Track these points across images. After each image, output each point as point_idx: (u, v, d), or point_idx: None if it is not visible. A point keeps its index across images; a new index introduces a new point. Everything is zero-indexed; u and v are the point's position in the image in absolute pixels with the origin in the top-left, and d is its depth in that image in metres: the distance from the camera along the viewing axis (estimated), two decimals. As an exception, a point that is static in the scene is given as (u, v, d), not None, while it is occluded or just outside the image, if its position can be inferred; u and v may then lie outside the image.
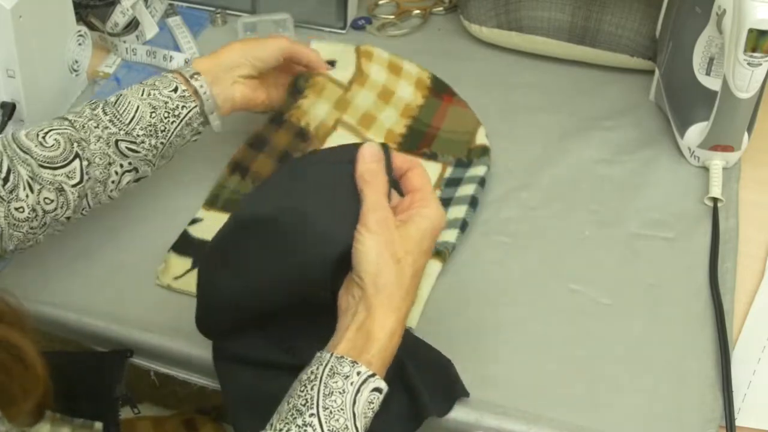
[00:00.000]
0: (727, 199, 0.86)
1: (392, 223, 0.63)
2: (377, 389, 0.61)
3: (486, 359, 0.74)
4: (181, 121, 0.79)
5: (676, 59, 0.90)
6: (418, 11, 1.10)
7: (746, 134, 0.87)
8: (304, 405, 0.59)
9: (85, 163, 0.74)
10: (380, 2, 1.11)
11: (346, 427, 0.58)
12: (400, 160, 0.67)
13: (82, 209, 0.77)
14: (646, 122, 0.95)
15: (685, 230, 0.85)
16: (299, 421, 0.58)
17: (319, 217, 0.64)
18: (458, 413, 0.70)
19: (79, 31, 0.95)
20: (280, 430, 0.58)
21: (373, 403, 0.60)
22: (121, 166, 0.77)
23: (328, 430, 0.58)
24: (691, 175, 0.90)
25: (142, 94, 0.78)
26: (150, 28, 1.05)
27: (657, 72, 0.96)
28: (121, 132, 0.76)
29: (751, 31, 0.77)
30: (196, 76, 0.81)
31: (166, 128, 0.78)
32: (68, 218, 0.76)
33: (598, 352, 0.75)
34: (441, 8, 1.11)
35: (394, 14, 1.10)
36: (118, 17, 1.02)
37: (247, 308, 0.69)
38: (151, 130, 0.78)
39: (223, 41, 0.88)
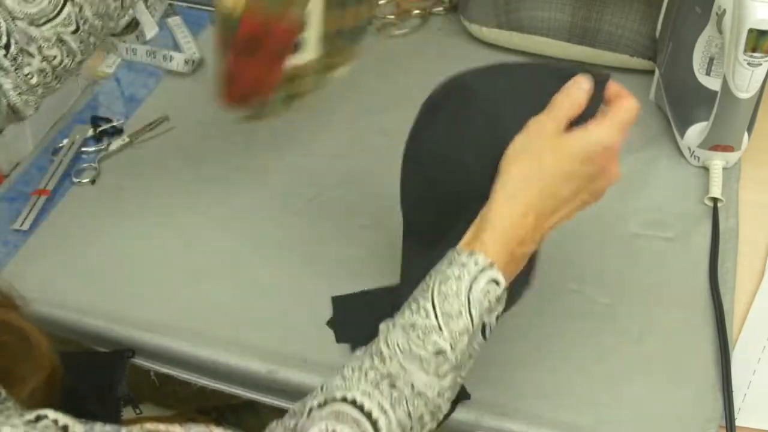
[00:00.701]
0: (727, 199, 0.86)
1: (551, 127, 0.61)
2: (494, 281, 0.59)
3: (486, 360, 0.74)
4: None
5: (676, 59, 0.90)
6: (418, 11, 1.10)
7: (746, 134, 0.87)
8: (421, 293, 0.59)
9: (77, 9, 0.70)
10: (380, 2, 1.11)
11: (460, 313, 0.57)
12: (614, 89, 0.64)
13: (92, 46, 0.74)
14: (646, 122, 0.95)
15: (685, 230, 0.85)
16: (413, 306, 0.58)
17: (508, 113, 0.64)
18: (458, 413, 0.70)
19: (79, 31, 0.94)
20: (398, 312, 0.59)
21: (489, 293, 0.59)
22: None
23: (441, 312, 0.57)
24: (691, 175, 0.90)
25: None
26: (150, 28, 1.05)
27: (657, 72, 0.96)
28: None
29: (751, 31, 0.77)
30: None
31: None
32: (80, 62, 0.73)
33: (598, 352, 0.75)
34: (441, 8, 1.11)
35: (394, 14, 1.10)
36: (118, 17, 1.02)
37: (425, 176, 0.69)
38: None
39: (223, 41, 0.88)
